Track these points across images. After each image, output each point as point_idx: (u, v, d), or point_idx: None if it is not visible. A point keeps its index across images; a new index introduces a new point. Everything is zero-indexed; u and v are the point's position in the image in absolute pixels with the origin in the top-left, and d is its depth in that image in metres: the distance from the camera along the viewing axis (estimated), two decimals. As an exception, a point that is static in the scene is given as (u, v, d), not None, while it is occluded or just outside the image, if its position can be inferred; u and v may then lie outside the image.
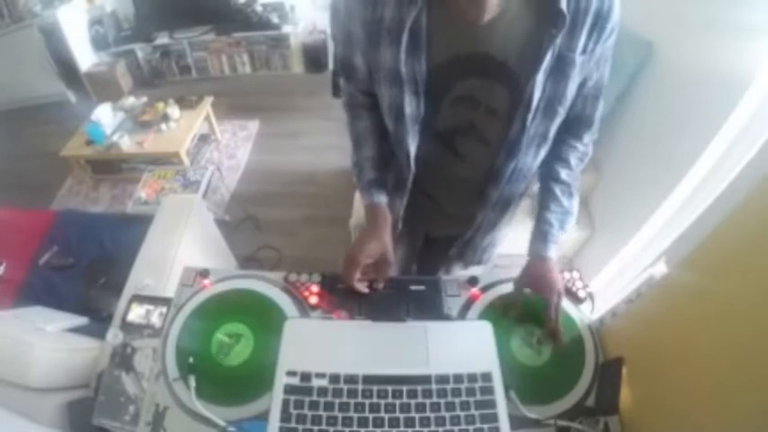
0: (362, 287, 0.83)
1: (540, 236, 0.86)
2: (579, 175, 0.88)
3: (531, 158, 0.81)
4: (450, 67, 0.69)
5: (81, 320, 1.63)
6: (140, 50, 3.82)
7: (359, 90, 0.84)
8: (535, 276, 0.83)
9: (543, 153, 0.82)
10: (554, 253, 0.85)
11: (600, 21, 0.65)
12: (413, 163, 0.82)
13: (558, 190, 0.86)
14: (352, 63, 0.79)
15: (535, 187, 0.94)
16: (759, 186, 0.55)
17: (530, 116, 0.71)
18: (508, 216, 1.00)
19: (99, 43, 3.67)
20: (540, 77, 0.66)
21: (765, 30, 1.04)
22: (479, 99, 0.73)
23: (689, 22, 1.32)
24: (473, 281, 0.88)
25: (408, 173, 0.84)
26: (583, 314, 0.86)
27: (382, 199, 0.87)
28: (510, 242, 1.13)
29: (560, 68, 0.67)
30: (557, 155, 0.85)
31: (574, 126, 0.82)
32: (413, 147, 0.79)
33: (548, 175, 0.87)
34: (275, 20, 3.64)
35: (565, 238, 1.81)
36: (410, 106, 0.73)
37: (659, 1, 1.51)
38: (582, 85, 0.74)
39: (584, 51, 0.67)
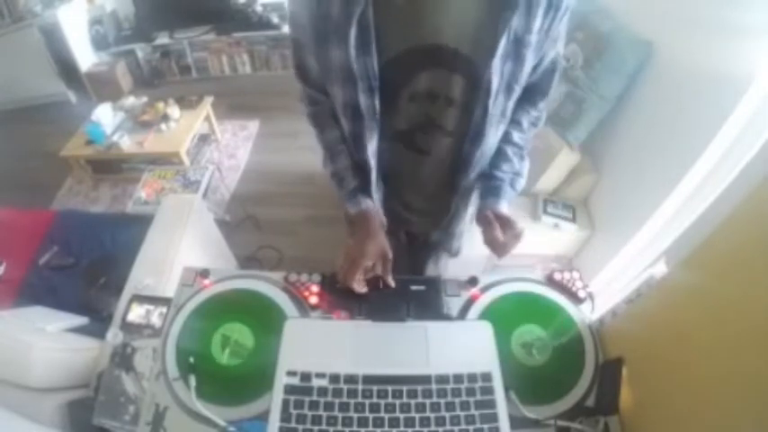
0: (363, 287, 0.82)
1: (492, 190, 0.84)
2: (531, 138, 0.88)
3: (494, 138, 0.81)
4: (402, 60, 0.68)
5: (81, 320, 1.63)
6: (140, 50, 3.82)
7: (317, 91, 0.82)
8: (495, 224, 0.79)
9: (503, 128, 0.82)
10: (506, 210, 0.83)
11: (555, 0, 0.65)
12: (372, 161, 0.80)
13: (510, 151, 0.85)
14: (305, 64, 0.78)
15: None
16: (759, 186, 0.55)
17: (490, 101, 0.70)
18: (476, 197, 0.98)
19: (99, 43, 3.67)
20: (497, 62, 0.66)
21: (765, 30, 1.04)
22: (437, 92, 0.72)
23: (689, 22, 1.32)
24: (473, 281, 0.88)
25: (369, 173, 0.83)
26: (583, 314, 0.86)
27: (369, 204, 0.85)
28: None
29: (517, 51, 0.67)
30: (510, 118, 0.84)
31: (529, 96, 0.82)
32: (371, 145, 0.78)
33: (501, 137, 0.86)
34: (275, 20, 3.64)
35: (566, 238, 1.83)
36: (365, 104, 0.71)
37: (659, 1, 1.51)
38: (539, 62, 0.74)
39: (539, 31, 0.67)
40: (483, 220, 0.80)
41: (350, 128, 0.79)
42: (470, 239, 1.06)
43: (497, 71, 0.67)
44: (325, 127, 0.86)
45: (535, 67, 0.75)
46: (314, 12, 0.67)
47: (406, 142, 0.81)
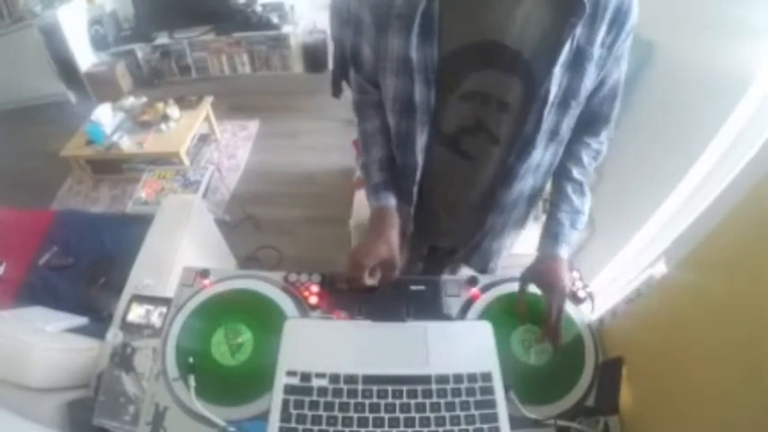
0: (371, 280, 0.79)
1: (551, 235, 0.84)
2: (592, 173, 0.87)
3: (541, 154, 0.78)
4: (461, 55, 0.67)
5: (81, 320, 1.63)
6: (140, 50, 3.82)
7: (368, 81, 0.81)
8: (541, 273, 0.81)
9: (553, 149, 0.79)
10: (565, 253, 0.83)
11: (620, 17, 0.64)
12: (420, 158, 0.79)
13: (569, 188, 0.84)
14: (360, 52, 0.76)
15: (548, 187, 0.92)
16: (759, 186, 0.55)
17: (545, 111, 0.69)
18: (517, 219, 0.97)
19: (99, 43, 3.67)
20: (557, 70, 0.65)
21: (765, 30, 1.04)
22: (490, 93, 0.70)
23: (689, 22, 1.32)
24: (473, 281, 0.88)
25: (415, 172, 0.81)
26: (583, 314, 0.86)
27: (390, 201, 0.83)
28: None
29: (578, 62, 0.66)
30: (570, 153, 0.83)
31: (590, 125, 0.81)
32: (420, 141, 0.76)
33: (560, 173, 0.85)
34: (275, 20, 3.64)
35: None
36: (420, 97, 0.70)
37: (660, 1, 1.51)
38: (601, 84, 0.72)
39: (602, 45, 0.66)
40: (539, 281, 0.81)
41: (397, 124, 0.77)
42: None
43: (557, 80, 0.66)
44: (367, 117, 0.85)
45: (596, 90, 0.73)
46: None
47: (451, 145, 0.79)
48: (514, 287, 0.87)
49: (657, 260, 1.08)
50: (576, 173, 0.84)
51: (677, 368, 0.63)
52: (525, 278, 0.84)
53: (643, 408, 0.68)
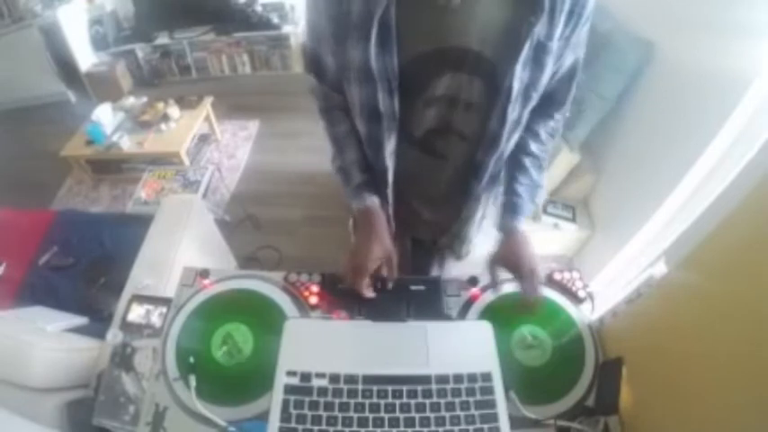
0: (371, 292, 0.81)
1: (510, 208, 0.84)
2: (550, 149, 0.87)
3: (507, 145, 0.80)
4: (424, 61, 0.67)
5: (81, 320, 1.63)
6: (140, 50, 3.82)
7: (332, 89, 0.80)
8: (508, 253, 0.82)
9: (516, 135, 0.81)
10: (524, 225, 0.83)
11: (577, 8, 0.65)
12: (390, 163, 0.80)
13: (527, 162, 0.84)
14: (321, 61, 0.76)
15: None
16: (759, 186, 0.55)
17: (509, 107, 0.70)
18: (491, 200, 0.97)
19: (99, 43, 3.67)
20: (519, 68, 0.65)
21: (765, 30, 1.04)
22: (456, 96, 0.71)
23: (689, 22, 1.32)
24: (473, 281, 0.88)
25: (386, 176, 0.82)
26: (583, 314, 0.86)
27: (374, 200, 0.84)
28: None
29: (537, 57, 0.66)
30: (528, 129, 0.83)
31: (546, 105, 0.81)
32: (389, 146, 0.77)
33: (517, 148, 0.85)
34: (275, 20, 3.64)
35: (566, 238, 1.83)
36: (384, 105, 0.70)
37: (660, 1, 1.51)
38: (557, 70, 0.73)
39: (560, 38, 0.66)
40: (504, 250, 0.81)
41: (366, 130, 0.78)
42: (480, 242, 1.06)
43: (518, 76, 0.66)
44: (335, 121, 0.84)
45: (553, 75, 0.74)
46: (334, 8, 0.66)
47: (422, 146, 0.80)
48: (514, 287, 0.87)
49: (657, 260, 1.08)
50: (534, 147, 0.84)
51: (677, 368, 0.63)
52: (493, 262, 0.83)
53: (643, 408, 0.68)
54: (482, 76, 0.68)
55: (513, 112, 0.72)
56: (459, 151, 0.80)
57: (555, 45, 0.66)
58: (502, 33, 0.64)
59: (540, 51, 0.66)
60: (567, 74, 0.77)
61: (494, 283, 0.84)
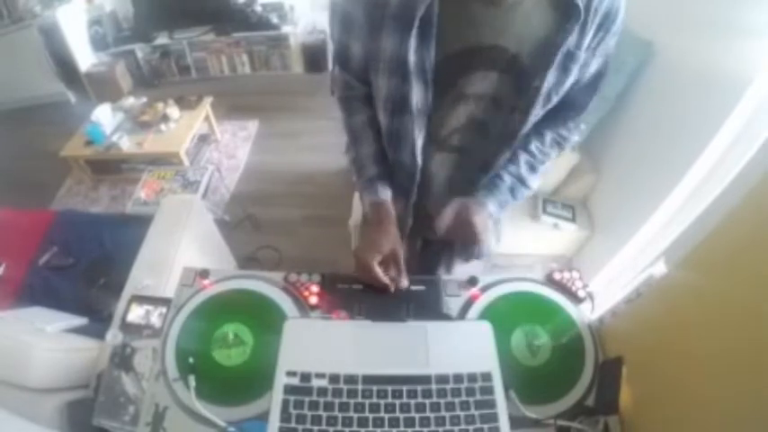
0: (386, 279, 0.79)
1: (488, 185, 0.84)
2: (552, 155, 0.87)
3: (520, 142, 0.81)
4: (460, 58, 0.67)
5: (81, 320, 1.63)
6: (140, 50, 3.82)
7: (355, 78, 0.80)
8: (463, 217, 0.78)
9: (528, 135, 0.82)
10: (493, 208, 0.82)
11: (607, 22, 0.65)
12: (420, 159, 0.79)
13: (522, 157, 0.84)
14: (348, 50, 0.75)
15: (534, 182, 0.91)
16: (759, 186, 0.55)
17: (533, 109, 0.71)
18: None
19: (98, 43, 3.67)
20: (550, 72, 0.66)
21: (765, 30, 1.04)
22: (485, 94, 0.71)
23: (689, 22, 1.33)
24: (473, 281, 0.88)
25: (415, 174, 0.81)
26: (583, 314, 0.86)
27: (387, 194, 0.83)
28: (509, 242, 1.13)
29: (565, 64, 0.67)
30: (535, 129, 0.83)
31: (564, 110, 0.81)
32: (419, 142, 0.76)
33: (520, 144, 0.85)
34: (275, 20, 3.64)
35: (566, 238, 1.83)
36: (417, 99, 0.70)
37: (659, 1, 1.51)
38: (580, 76, 0.74)
39: (587, 48, 0.67)
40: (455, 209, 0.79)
41: (389, 123, 0.77)
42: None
43: (547, 81, 0.67)
44: (354, 110, 0.83)
45: (576, 82, 0.74)
46: None
47: (445, 144, 0.80)
48: (514, 287, 0.87)
49: (657, 260, 1.08)
50: (533, 146, 0.84)
51: (677, 368, 0.63)
52: (443, 220, 0.80)
53: (643, 408, 0.68)
54: (513, 76, 0.69)
55: (535, 113, 0.73)
56: (477, 148, 0.80)
57: (582, 54, 0.67)
58: (538, 36, 0.65)
59: (568, 59, 0.67)
60: (590, 82, 0.77)
61: (440, 222, 0.80)
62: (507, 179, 0.84)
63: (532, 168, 0.85)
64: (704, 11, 1.25)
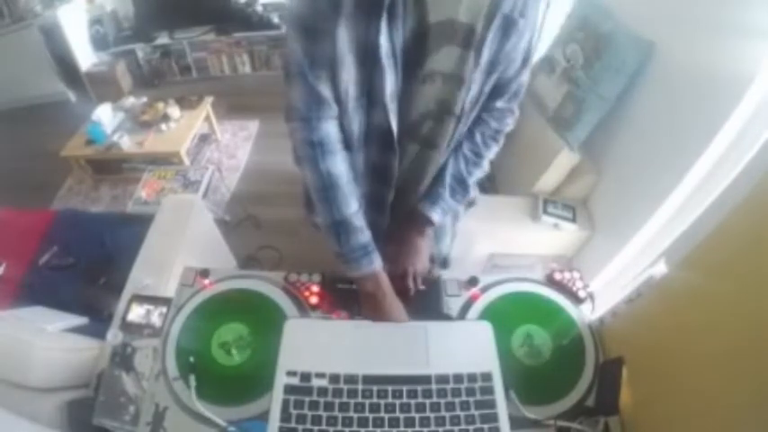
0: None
1: (430, 194, 0.87)
2: (485, 154, 0.87)
3: (468, 118, 0.81)
4: (424, 36, 0.67)
5: (81, 320, 1.62)
6: (140, 50, 3.81)
7: (329, 87, 0.69)
8: (404, 237, 0.85)
9: (474, 114, 0.81)
10: (437, 217, 0.86)
11: None
12: (398, 149, 0.76)
13: (460, 160, 0.86)
14: (320, 49, 0.65)
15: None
16: (759, 186, 0.55)
17: (483, 78, 0.71)
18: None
19: (99, 43, 3.67)
20: (490, 36, 0.66)
21: (765, 30, 1.04)
22: (449, 71, 0.71)
23: (690, 22, 1.32)
24: (473, 281, 0.88)
25: (394, 167, 0.79)
26: (583, 314, 0.86)
27: (380, 260, 0.78)
28: (509, 242, 1.13)
29: (505, 29, 0.67)
30: (468, 131, 0.84)
31: (495, 92, 0.80)
32: (395, 130, 0.72)
33: (457, 145, 0.85)
34: (275, 20, 3.63)
35: (566, 238, 1.83)
36: (390, 82, 0.67)
37: (660, 1, 1.51)
38: (512, 47, 0.73)
39: (522, 15, 0.68)
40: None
41: (366, 120, 0.74)
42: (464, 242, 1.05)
43: (488, 46, 0.67)
44: (328, 146, 0.72)
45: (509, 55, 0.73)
46: None
47: (415, 135, 0.80)
48: (514, 287, 0.87)
49: (657, 260, 1.08)
50: (466, 149, 0.86)
51: (677, 368, 0.63)
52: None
53: (643, 408, 0.68)
54: (472, 48, 0.68)
55: (479, 82, 0.72)
56: (447, 133, 0.79)
57: (520, 21, 0.68)
58: (486, 5, 0.65)
59: (507, 23, 0.67)
60: (523, 55, 0.76)
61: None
62: (447, 183, 0.86)
63: (471, 169, 0.87)
64: (705, 11, 1.25)
